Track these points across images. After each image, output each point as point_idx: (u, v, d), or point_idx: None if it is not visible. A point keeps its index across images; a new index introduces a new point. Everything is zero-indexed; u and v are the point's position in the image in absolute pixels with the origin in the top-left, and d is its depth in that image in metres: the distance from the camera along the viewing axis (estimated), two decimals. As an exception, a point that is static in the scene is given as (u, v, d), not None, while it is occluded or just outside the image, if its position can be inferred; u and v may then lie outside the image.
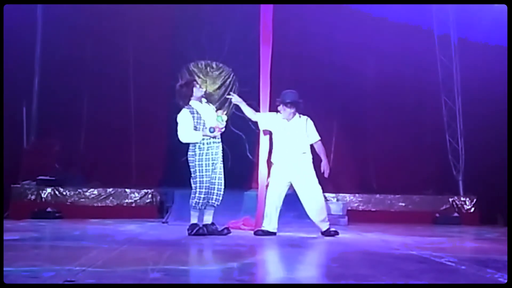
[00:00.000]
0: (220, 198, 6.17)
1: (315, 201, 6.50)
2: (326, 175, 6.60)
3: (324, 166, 6.59)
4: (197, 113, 6.12)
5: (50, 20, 10.08)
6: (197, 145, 6.08)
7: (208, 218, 6.24)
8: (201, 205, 6.12)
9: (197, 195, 6.08)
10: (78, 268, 3.50)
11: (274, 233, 6.52)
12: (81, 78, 10.46)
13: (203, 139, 6.08)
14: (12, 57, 9.01)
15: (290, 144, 6.55)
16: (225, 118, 6.20)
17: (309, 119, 6.72)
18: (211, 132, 6.03)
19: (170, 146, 10.71)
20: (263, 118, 6.80)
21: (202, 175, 6.04)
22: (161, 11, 10.39)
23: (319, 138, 6.69)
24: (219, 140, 6.20)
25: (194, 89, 6.19)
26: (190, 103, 6.19)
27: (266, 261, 4.73)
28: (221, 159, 6.22)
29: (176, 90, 6.33)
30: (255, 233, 6.55)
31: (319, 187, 6.54)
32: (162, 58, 10.83)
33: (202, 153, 6.06)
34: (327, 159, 6.76)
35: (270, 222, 6.54)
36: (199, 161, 6.05)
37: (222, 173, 6.21)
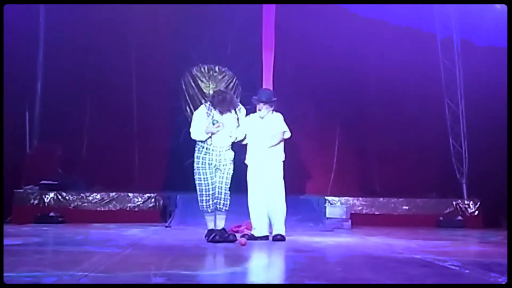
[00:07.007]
0: (228, 203, 6.11)
1: (276, 205, 6.42)
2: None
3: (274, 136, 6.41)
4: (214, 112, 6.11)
5: (53, 24, 10.07)
6: (197, 147, 6.10)
7: (219, 224, 6.14)
8: (207, 208, 6.07)
9: (199, 198, 6.11)
10: (81, 273, 3.49)
11: (266, 237, 6.42)
12: (84, 82, 10.48)
13: (203, 143, 6.04)
14: (15, 61, 9.02)
15: (263, 140, 6.47)
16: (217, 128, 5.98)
17: (279, 114, 6.57)
18: (213, 124, 5.96)
19: (173, 150, 10.73)
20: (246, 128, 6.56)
21: (200, 178, 6.04)
22: (163, 14, 10.40)
23: (286, 129, 6.51)
24: (227, 147, 6.12)
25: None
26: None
27: (269, 265, 4.72)
28: (229, 166, 6.12)
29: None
30: (242, 236, 6.42)
31: (283, 192, 6.46)
32: (165, 61, 10.83)
33: (199, 156, 6.07)
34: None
35: (256, 228, 6.46)
36: (196, 164, 6.08)
37: (229, 178, 6.12)
